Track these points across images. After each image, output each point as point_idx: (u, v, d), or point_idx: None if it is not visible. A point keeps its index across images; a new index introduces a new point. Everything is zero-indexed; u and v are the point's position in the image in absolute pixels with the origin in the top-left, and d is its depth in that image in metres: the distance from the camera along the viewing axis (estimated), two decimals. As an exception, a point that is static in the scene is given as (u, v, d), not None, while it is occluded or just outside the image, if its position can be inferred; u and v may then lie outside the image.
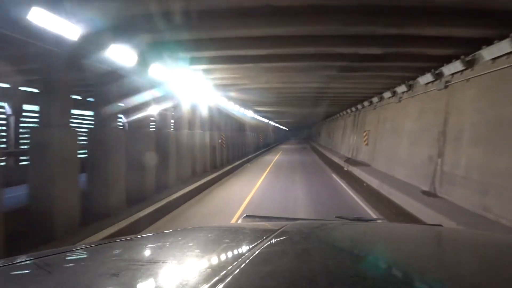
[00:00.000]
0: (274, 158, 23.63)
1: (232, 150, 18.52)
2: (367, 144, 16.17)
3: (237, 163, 17.65)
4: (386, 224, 2.01)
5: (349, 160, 18.06)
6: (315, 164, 19.48)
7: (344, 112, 23.90)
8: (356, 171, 14.31)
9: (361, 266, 0.90)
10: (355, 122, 20.39)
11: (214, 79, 11.80)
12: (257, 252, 0.91)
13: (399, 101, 12.13)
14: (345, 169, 16.33)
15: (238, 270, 0.77)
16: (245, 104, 20.20)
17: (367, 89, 14.11)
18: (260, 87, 13.99)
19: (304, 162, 20.56)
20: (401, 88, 11.59)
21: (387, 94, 13.34)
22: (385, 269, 0.88)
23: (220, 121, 16.70)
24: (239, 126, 22.16)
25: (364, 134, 16.40)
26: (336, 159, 20.86)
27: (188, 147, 11.33)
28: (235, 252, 1.02)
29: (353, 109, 20.46)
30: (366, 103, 17.05)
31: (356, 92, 15.27)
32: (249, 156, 21.83)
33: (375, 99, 15.19)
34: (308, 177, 13.61)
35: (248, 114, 23.85)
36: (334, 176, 14.11)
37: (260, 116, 30.49)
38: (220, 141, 15.79)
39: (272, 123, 47.32)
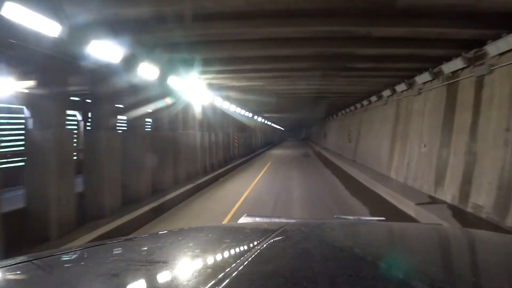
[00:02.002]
0: (249, 186, 10.62)
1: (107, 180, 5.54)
2: None
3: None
4: (386, 224, 1.75)
5: (467, 217, 5.00)
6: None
7: (397, 90, 10.73)
8: None
9: (361, 265, 0.88)
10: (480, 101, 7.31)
11: None
12: (257, 252, 0.91)
13: None
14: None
15: (238, 270, 0.76)
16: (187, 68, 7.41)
17: None
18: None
19: (321, 209, 7.45)
20: None
21: None
22: (385, 268, 0.87)
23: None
24: (168, 117, 9.24)
25: None
26: (398, 200, 7.82)
27: None
28: (236, 252, 1.01)
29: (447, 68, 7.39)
30: None
31: None
32: (184, 188, 8.76)
33: None
34: None
35: (201, 98, 10.80)
36: None
37: (234, 105, 17.28)
38: None
39: (261, 119, 34.17)
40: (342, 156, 20.33)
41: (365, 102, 16.21)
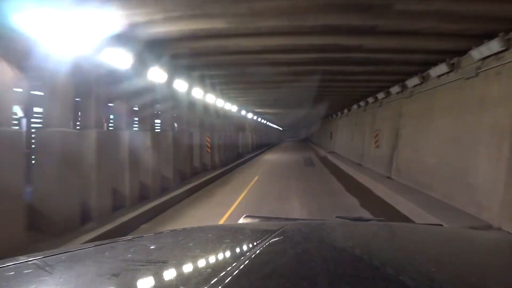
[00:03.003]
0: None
1: None
2: None
3: None
4: (386, 224, 1.70)
5: None
6: None
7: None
8: None
9: (361, 266, 0.87)
10: None
11: None
12: (257, 252, 0.91)
13: None
14: None
15: (238, 270, 0.75)
16: None
17: None
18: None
19: None
20: None
21: None
22: (385, 269, 0.85)
23: None
24: None
25: None
26: None
27: None
28: (235, 252, 1.01)
29: None
30: None
31: None
32: None
33: None
34: None
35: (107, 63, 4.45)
36: None
37: (200, 90, 10.83)
38: None
39: (253, 117, 27.75)
40: (365, 168, 13.86)
41: (411, 82, 9.71)
